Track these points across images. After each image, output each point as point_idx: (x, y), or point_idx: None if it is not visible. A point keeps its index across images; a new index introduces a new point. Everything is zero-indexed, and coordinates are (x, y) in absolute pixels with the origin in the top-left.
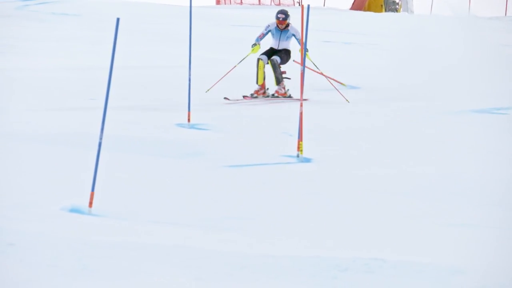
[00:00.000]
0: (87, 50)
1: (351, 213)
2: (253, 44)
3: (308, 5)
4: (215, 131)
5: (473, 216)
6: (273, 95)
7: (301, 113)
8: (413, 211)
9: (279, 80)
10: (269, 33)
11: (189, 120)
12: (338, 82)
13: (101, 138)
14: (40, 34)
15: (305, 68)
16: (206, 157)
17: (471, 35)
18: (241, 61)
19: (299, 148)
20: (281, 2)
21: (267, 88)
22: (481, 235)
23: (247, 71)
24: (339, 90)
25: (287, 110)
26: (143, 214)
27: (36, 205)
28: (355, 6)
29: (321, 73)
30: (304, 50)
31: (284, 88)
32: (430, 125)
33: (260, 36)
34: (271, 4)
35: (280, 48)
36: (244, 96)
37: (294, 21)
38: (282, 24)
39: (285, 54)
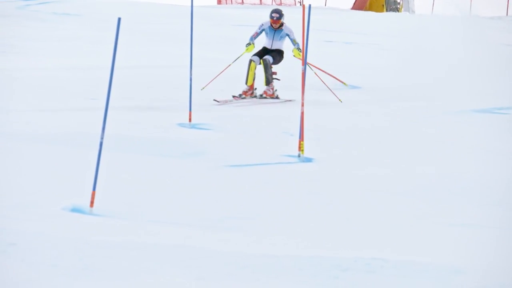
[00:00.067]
0: (88, 50)
1: (352, 213)
2: (247, 44)
3: (309, 5)
4: (216, 131)
5: (473, 216)
6: (261, 95)
7: (302, 113)
8: (413, 211)
9: (269, 81)
10: (263, 33)
11: (190, 120)
12: (340, 81)
13: (102, 138)
14: (41, 34)
15: (307, 67)
16: (207, 157)
17: (473, 35)
18: (235, 60)
19: (300, 148)
20: (282, 2)
21: (255, 88)
22: (481, 235)
23: (243, 71)
24: (332, 90)
25: (288, 110)
26: (144, 214)
27: (37, 205)
28: (356, 6)
29: (324, 71)
30: (305, 51)
31: (272, 89)
32: (431, 125)
33: (254, 35)
34: (272, 4)
35: (273, 48)
36: (233, 97)
37: (295, 21)
38: (276, 23)
39: (278, 54)
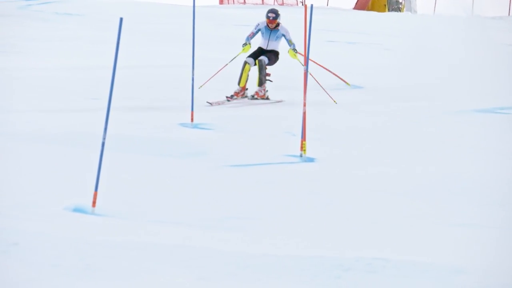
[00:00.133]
0: (89, 50)
1: (354, 213)
2: (244, 44)
3: (312, 5)
4: (218, 131)
5: (474, 216)
6: (252, 96)
7: (304, 113)
8: (414, 211)
9: (261, 82)
10: (259, 33)
11: (192, 119)
12: (343, 80)
13: (104, 138)
14: (42, 34)
15: (309, 67)
16: (209, 156)
17: (474, 35)
18: (232, 60)
19: (302, 148)
20: (284, 2)
21: (247, 89)
22: (482, 235)
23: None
24: (326, 91)
25: (290, 110)
26: (146, 214)
27: (39, 204)
28: (359, 6)
29: (327, 69)
30: (307, 51)
31: (264, 90)
32: (432, 125)
33: (250, 35)
34: (274, 4)
35: (269, 48)
36: (226, 97)
37: (297, 21)
38: (272, 23)
39: (273, 55)
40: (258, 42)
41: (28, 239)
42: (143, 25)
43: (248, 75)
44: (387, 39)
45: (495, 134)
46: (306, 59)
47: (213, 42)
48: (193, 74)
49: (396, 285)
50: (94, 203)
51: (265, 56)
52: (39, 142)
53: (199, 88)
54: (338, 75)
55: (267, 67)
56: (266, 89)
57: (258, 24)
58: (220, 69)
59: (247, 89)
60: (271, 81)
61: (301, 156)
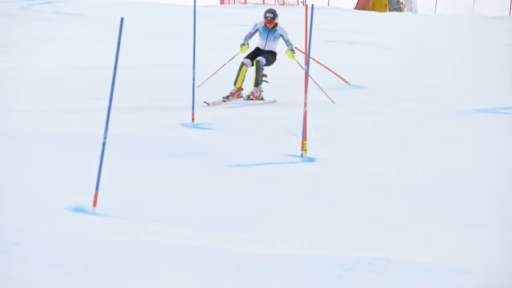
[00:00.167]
0: (91, 49)
1: (355, 212)
2: (242, 44)
3: (312, 5)
4: (219, 131)
5: (475, 216)
6: (248, 96)
7: (305, 113)
8: (416, 211)
9: (258, 83)
10: (257, 33)
11: (193, 119)
12: (344, 80)
13: (105, 138)
14: (44, 33)
15: (309, 66)
16: (210, 156)
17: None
18: (230, 60)
19: (303, 147)
20: (285, 2)
21: (242, 89)
22: (483, 235)
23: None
24: (324, 91)
25: (291, 110)
26: (147, 214)
27: (40, 204)
28: (359, 6)
29: (329, 69)
30: (308, 50)
31: (260, 90)
32: (433, 125)
33: (248, 35)
34: (275, 4)
35: (266, 48)
36: (223, 98)
37: (298, 21)
38: (270, 23)
39: (271, 56)
40: (256, 42)
41: (29, 238)
42: (143, 25)
43: (244, 76)
44: (388, 39)
45: (496, 134)
46: (307, 59)
47: (214, 41)
48: (194, 74)
49: (397, 285)
50: (95, 202)
51: (262, 57)
52: (40, 142)
53: (197, 87)
54: (339, 74)
55: (264, 67)
56: (262, 89)
57: (256, 24)
58: (218, 69)
59: (242, 89)
60: (267, 82)
61: (302, 156)
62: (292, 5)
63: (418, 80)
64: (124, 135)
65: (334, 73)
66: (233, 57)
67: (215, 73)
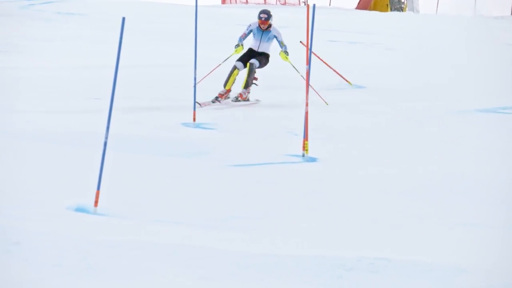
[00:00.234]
0: (92, 49)
1: (356, 212)
2: (236, 45)
3: (314, 5)
4: (221, 131)
5: (476, 216)
6: (236, 98)
7: (306, 113)
8: (416, 211)
9: (247, 85)
10: (251, 34)
11: (194, 119)
12: (345, 80)
13: (106, 138)
14: (44, 33)
15: (310, 66)
16: (211, 156)
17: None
18: (224, 60)
19: (305, 147)
20: (286, 2)
21: (230, 91)
22: (484, 235)
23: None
24: (318, 92)
25: (291, 110)
26: (148, 214)
27: (42, 204)
28: (361, 6)
29: (330, 67)
30: (309, 50)
31: (248, 92)
32: (433, 125)
33: (242, 36)
34: (276, 4)
35: (260, 50)
36: (212, 99)
37: (300, 21)
38: (264, 24)
39: (264, 58)
40: (249, 43)
41: (29, 238)
42: (144, 25)
43: (235, 79)
44: (390, 39)
45: (497, 134)
46: (309, 58)
47: (215, 41)
48: (195, 74)
49: (398, 285)
50: (96, 202)
51: (256, 60)
52: (41, 142)
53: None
54: (340, 74)
55: (256, 70)
56: (249, 91)
57: (250, 25)
58: (213, 70)
59: (230, 91)
60: (256, 84)
61: (303, 156)
62: (294, 5)
63: (419, 80)
64: (125, 135)
65: (335, 72)
66: (227, 58)
67: (208, 74)
